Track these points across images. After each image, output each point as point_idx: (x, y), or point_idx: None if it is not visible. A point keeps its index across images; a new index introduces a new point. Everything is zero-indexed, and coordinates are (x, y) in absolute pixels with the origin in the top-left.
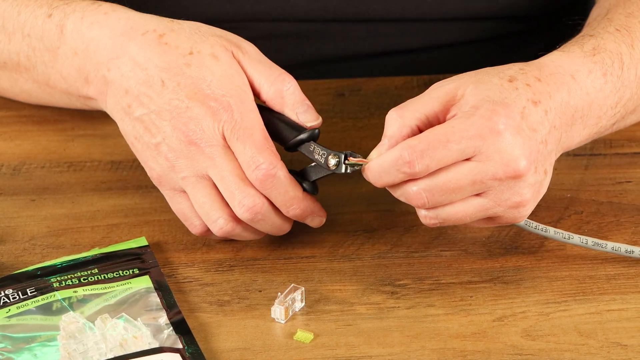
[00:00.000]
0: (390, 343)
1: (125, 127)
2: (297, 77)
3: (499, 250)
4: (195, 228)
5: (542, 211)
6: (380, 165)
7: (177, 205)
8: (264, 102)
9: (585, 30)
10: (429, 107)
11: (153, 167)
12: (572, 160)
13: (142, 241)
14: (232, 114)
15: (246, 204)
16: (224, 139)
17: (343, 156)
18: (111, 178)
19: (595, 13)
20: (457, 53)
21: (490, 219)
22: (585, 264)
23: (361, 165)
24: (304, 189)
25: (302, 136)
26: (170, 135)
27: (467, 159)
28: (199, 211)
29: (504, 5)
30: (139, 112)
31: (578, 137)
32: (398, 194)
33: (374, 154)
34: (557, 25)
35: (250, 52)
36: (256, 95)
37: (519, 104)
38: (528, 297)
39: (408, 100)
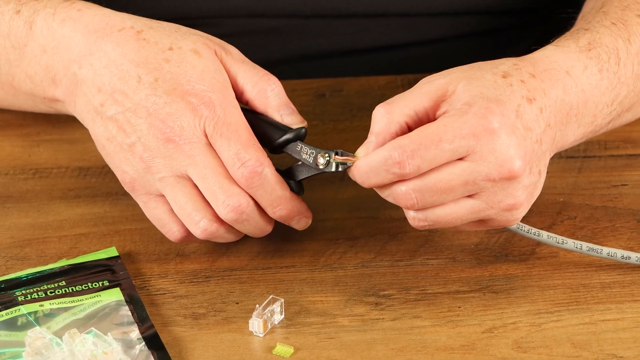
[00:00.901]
0: (375, 356)
1: (97, 128)
2: (276, 75)
3: (489, 258)
4: (173, 234)
5: (534, 216)
6: (368, 165)
7: (153, 211)
8: (247, 103)
9: (580, 23)
10: (418, 102)
11: (126, 171)
12: (565, 162)
13: (112, 251)
14: (214, 110)
15: (231, 204)
16: (206, 136)
17: (333, 153)
18: (79, 185)
19: (589, 6)
20: (444, 49)
21: (481, 221)
22: (579, 272)
23: (351, 163)
24: (291, 189)
25: (289, 136)
26: (147, 134)
27: (460, 159)
28: (179, 213)
29: (493, 0)
30: (113, 110)
31: (572, 135)
32: (386, 194)
33: (360, 151)
34: (549, 18)
35: (233, 53)
36: (238, 95)
37: (514, 101)
38: (519, 307)
39: (396, 96)
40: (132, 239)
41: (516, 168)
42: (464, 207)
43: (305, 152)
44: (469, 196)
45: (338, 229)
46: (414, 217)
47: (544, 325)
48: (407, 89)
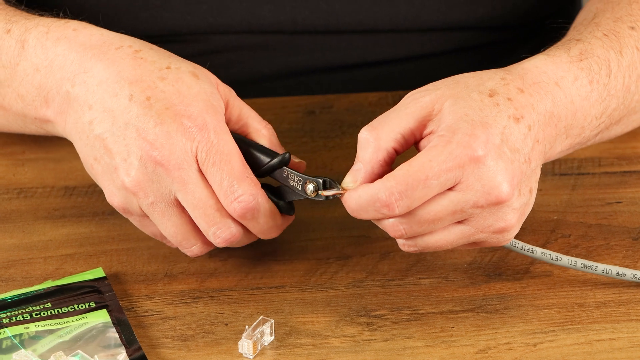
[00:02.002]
0: None
1: (84, 147)
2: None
3: (482, 277)
4: (173, 245)
5: (528, 234)
6: (357, 203)
7: (149, 228)
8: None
9: (571, 34)
10: (404, 125)
11: (114, 193)
12: (559, 180)
13: (98, 272)
14: (208, 135)
15: (222, 235)
16: (197, 161)
17: (322, 182)
18: (65, 205)
19: (581, 17)
20: (434, 64)
21: (473, 243)
22: (574, 291)
23: (339, 195)
24: (281, 210)
25: (274, 162)
26: (134, 156)
27: (448, 189)
28: (170, 239)
29: (483, 16)
30: (100, 129)
31: (560, 146)
32: (375, 222)
33: (348, 179)
34: (541, 32)
35: (233, 93)
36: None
37: (500, 122)
38: (513, 327)
39: (382, 117)
40: (119, 260)
41: (504, 194)
42: (454, 233)
43: (292, 179)
44: (459, 222)
45: (329, 248)
46: (403, 244)
47: (539, 345)
48: None
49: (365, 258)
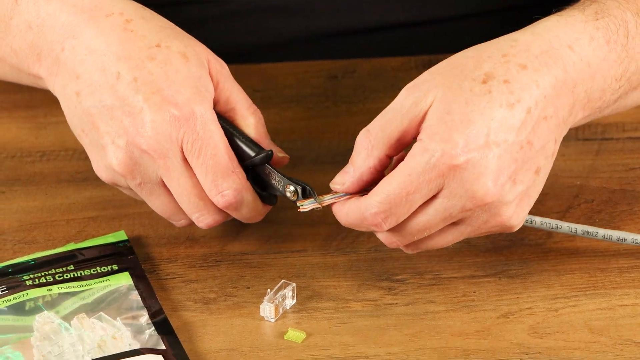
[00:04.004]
0: (388, 342)
1: (72, 117)
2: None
3: (504, 243)
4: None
5: (550, 200)
6: (346, 219)
7: (139, 197)
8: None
9: None
10: (399, 128)
11: (102, 169)
12: (582, 145)
13: (121, 235)
14: (194, 125)
15: (204, 221)
16: (182, 151)
17: (301, 190)
18: (87, 168)
19: None
20: (457, 27)
21: (479, 234)
22: (596, 256)
23: (317, 209)
24: (263, 201)
25: (256, 159)
26: (121, 138)
27: (433, 196)
28: (159, 214)
29: None
30: (89, 103)
31: (581, 112)
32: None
33: (337, 179)
34: None
35: (226, 69)
36: (223, 111)
37: (488, 115)
38: (535, 291)
39: (379, 118)
40: (141, 223)
41: (490, 195)
42: (451, 234)
43: (273, 178)
44: (454, 224)
45: None
46: (405, 248)
47: (561, 310)
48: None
49: None
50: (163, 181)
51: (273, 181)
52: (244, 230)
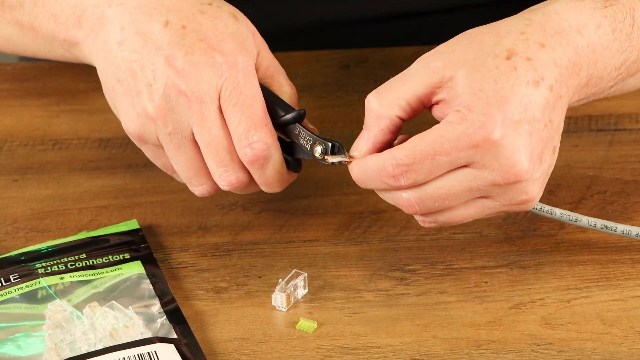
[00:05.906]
0: (399, 332)
1: (108, 67)
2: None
3: (516, 233)
4: (183, 180)
5: (563, 191)
6: (363, 172)
7: (161, 160)
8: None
9: None
10: (410, 91)
11: (132, 118)
12: (595, 136)
13: (133, 224)
14: (236, 74)
15: (227, 179)
16: (219, 99)
17: (330, 146)
18: (99, 156)
19: None
20: (470, 17)
21: (494, 213)
22: (609, 248)
23: (345, 163)
24: (288, 166)
25: (288, 116)
26: (159, 82)
27: (463, 166)
28: (179, 173)
29: None
30: (129, 50)
31: (578, 96)
32: (386, 197)
33: (355, 146)
34: None
35: (266, 46)
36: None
37: (518, 93)
38: (547, 282)
39: (389, 82)
40: (153, 212)
41: (523, 171)
42: (474, 207)
43: (303, 138)
44: (478, 197)
45: (362, 202)
46: (422, 220)
47: (573, 301)
48: None
49: (399, 212)
50: (193, 134)
51: (302, 140)
52: (256, 219)
